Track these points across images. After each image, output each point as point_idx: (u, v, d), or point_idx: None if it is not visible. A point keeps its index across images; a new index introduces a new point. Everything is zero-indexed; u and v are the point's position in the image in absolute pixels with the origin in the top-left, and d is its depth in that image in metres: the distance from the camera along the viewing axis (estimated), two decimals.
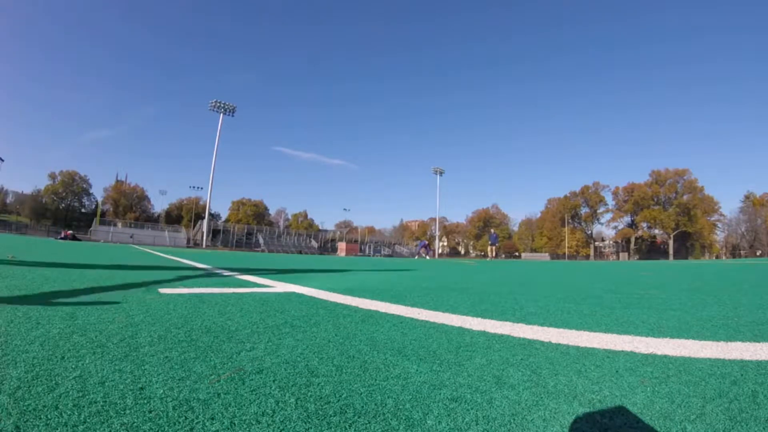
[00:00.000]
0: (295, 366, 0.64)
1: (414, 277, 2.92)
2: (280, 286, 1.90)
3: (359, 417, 0.46)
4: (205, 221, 43.45)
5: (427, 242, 37.76)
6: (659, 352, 0.79)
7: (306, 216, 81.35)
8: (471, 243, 79.13)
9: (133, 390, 0.51)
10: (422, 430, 0.44)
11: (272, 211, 79.65)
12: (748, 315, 1.29)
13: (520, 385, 0.59)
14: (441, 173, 58.16)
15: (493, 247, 25.66)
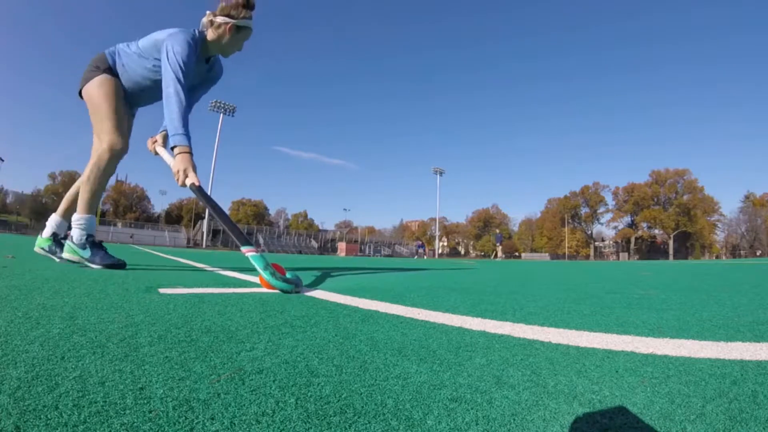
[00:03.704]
0: (295, 366, 0.64)
1: (414, 277, 2.92)
2: None
3: (359, 417, 0.46)
4: (205, 221, 43.45)
5: (422, 243, 38.74)
6: (659, 352, 0.79)
7: (306, 216, 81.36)
8: (471, 243, 79.10)
9: (133, 390, 0.51)
10: (422, 430, 0.44)
11: (272, 211, 79.68)
12: (748, 315, 1.29)
13: (520, 385, 0.59)
14: (441, 173, 58.11)
15: (499, 246, 25.95)
